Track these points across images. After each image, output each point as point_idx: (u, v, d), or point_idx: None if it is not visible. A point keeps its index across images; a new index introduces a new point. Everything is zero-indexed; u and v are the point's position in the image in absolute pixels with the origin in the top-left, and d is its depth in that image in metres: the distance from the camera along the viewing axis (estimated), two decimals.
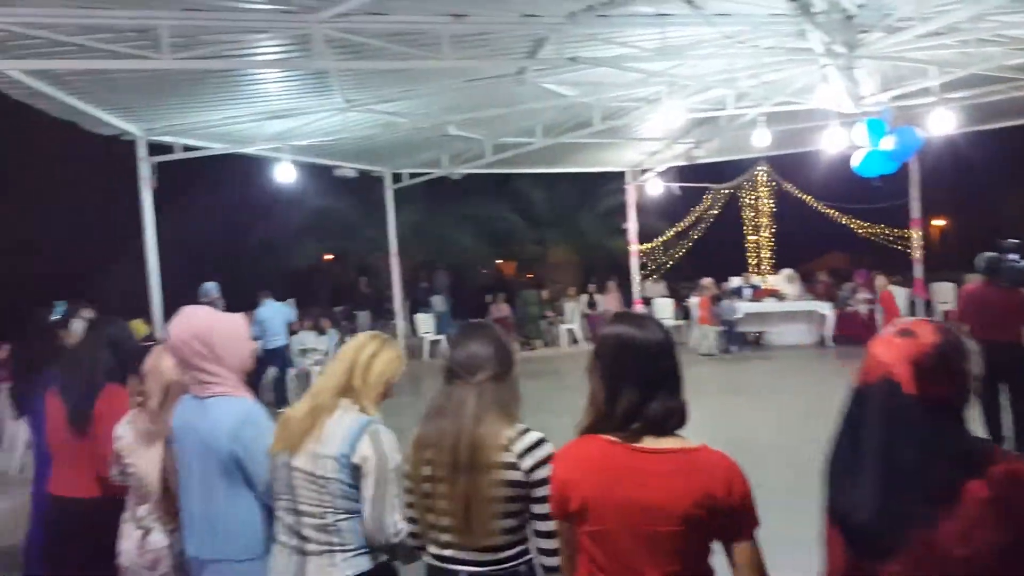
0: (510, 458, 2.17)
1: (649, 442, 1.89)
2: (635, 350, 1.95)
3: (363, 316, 18.73)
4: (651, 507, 1.82)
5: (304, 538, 2.39)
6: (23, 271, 16.72)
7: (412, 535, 2.37)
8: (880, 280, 12.94)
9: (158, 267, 10.05)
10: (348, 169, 13.08)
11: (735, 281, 16.14)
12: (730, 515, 1.82)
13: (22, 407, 4.35)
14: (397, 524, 2.38)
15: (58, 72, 7.09)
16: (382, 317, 18.13)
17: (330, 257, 24.07)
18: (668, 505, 1.81)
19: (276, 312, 11.44)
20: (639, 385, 1.92)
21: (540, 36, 7.87)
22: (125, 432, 2.96)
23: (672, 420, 1.92)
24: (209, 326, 2.67)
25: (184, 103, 8.89)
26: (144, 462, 2.88)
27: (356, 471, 2.35)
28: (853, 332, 13.87)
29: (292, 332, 12.27)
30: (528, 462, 2.17)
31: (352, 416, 2.40)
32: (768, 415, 9.06)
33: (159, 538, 2.87)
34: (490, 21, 7.33)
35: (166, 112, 9.20)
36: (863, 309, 14.81)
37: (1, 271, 16.60)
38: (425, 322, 16.58)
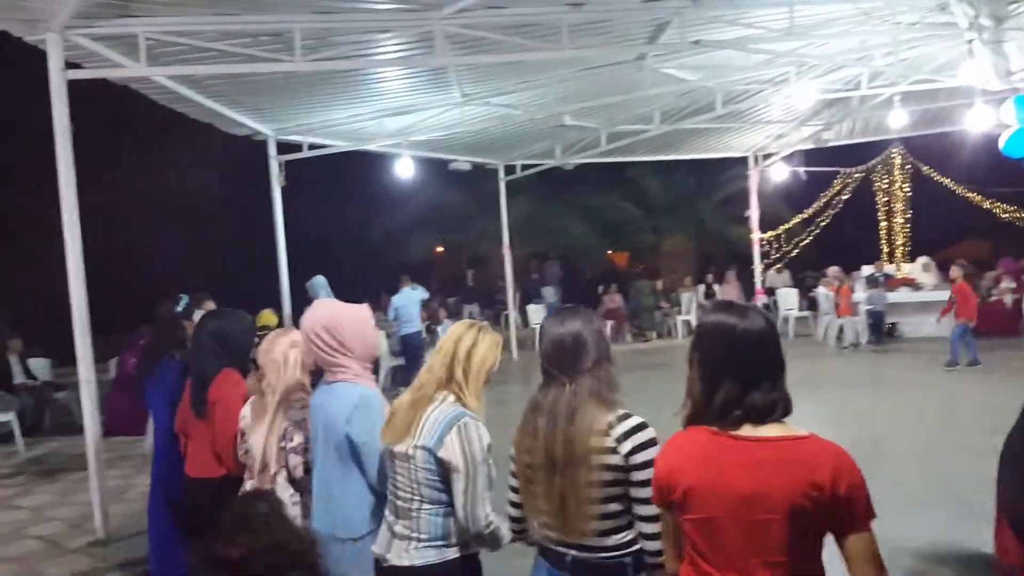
0: (609, 443, 2.16)
1: (749, 430, 1.83)
2: (735, 340, 1.87)
3: (471, 308, 18.98)
4: (753, 496, 1.76)
5: (397, 519, 2.50)
6: (159, 266, 17.86)
7: (517, 519, 2.43)
8: (955, 271, 11.90)
9: (286, 259, 10.55)
10: (463, 162, 13.25)
11: (866, 270, 15.29)
12: (838, 507, 1.73)
13: (143, 393, 4.60)
14: (488, 516, 2.42)
15: (198, 77, 7.49)
16: (492, 308, 18.32)
17: (440, 249, 24.50)
18: (770, 494, 1.74)
19: (411, 299, 11.65)
20: (738, 376, 1.85)
21: (662, 21, 7.68)
22: (247, 412, 3.18)
23: (774, 412, 1.84)
24: (337, 317, 2.80)
25: (311, 103, 9.23)
26: (254, 441, 3.08)
27: (442, 465, 2.39)
28: (996, 324, 12.90)
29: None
30: (627, 446, 2.15)
31: (445, 409, 2.43)
32: (902, 411, 8.55)
33: None
34: (610, 8, 7.21)
35: (294, 112, 9.58)
36: (1008, 299, 13.74)
37: (138, 266, 17.78)
38: (537, 313, 16.62)
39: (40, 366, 11.03)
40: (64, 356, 6.99)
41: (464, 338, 2.53)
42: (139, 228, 19.74)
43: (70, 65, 5.90)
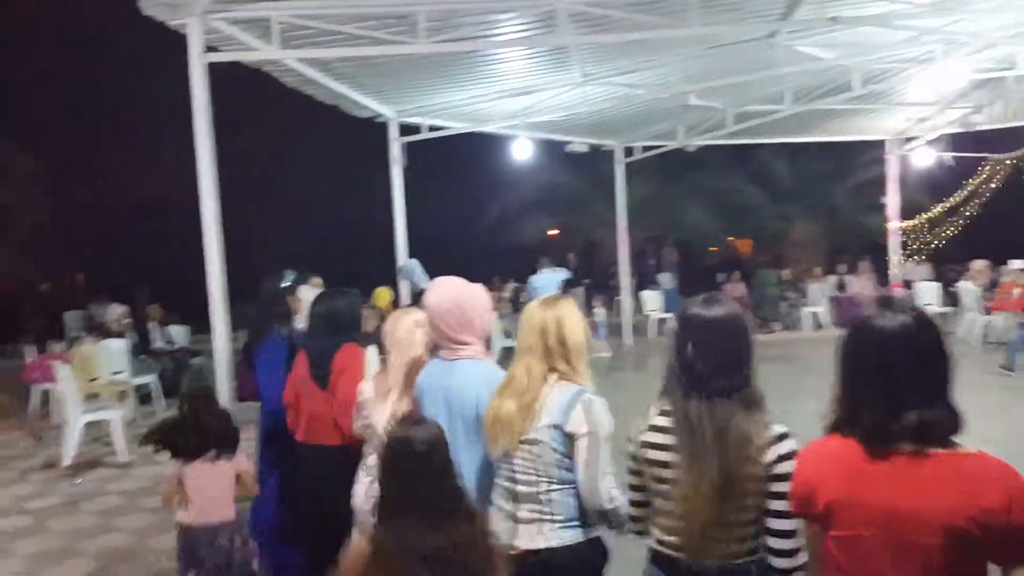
0: (756, 454, 1.99)
1: (908, 446, 1.60)
2: (873, 344, 1.64)
3: (576, 293, 18.70)
4: (909, 514, 1.56)
5: (518, 505, 2.45)
6: (286, 243, 18.76)
7: (635, 519, 2.30)
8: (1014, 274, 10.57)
9: (406, 239, 10.76)
10: (580, 144, 13.08)
11: (1016, 264, 14.05)
12: (1011, 536, 1.50)
13: (249, 363, 4.79)
14: (611, 491, 2.35)
15: (326, 59, 7.69)
16: (605, 293, 18.06)
17: (553, 232, 24.38)
18: (929, 513, 1.54)
19: (550, 281, 11.61)
20: (884, 390, 1.61)
21: None
22: (367, 389, 3.24)
23: (934, 435, 1.59)
24: (463, 295, 2.85)
25: (431, 85, 9.31)
26: (378, 416, 3.12)
27: (570, 440, 2.36)
28: None
29: None
30: (769, 457, 1.98)
31: (563, 388, 2.41)
32: None
33: None
34: None
35: (415, 94, 9.70)
36: None
37: (268, 242, 18.75)
38: (652, 300, 16.27)
39: (179, 333, 11.80)
40: (202, 324, 7.42)
41: (547, 326, 2.45)
42: (269, 206, 20.79)
43: (208, 49, 6.16)
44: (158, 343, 11.29)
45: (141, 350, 10.56)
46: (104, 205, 19.70)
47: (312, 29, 6.71)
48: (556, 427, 2.37)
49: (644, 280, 18.30)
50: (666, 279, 18.09)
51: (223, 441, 3.69)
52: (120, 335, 10.07)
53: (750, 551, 2.05)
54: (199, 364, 10.94)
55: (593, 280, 19.42)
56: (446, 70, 8.71)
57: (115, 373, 9.25)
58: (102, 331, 10.18)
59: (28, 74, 17.30)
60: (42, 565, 5.07)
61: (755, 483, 1.98)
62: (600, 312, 13.60)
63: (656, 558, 2.18)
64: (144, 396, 9.75)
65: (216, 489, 3.65)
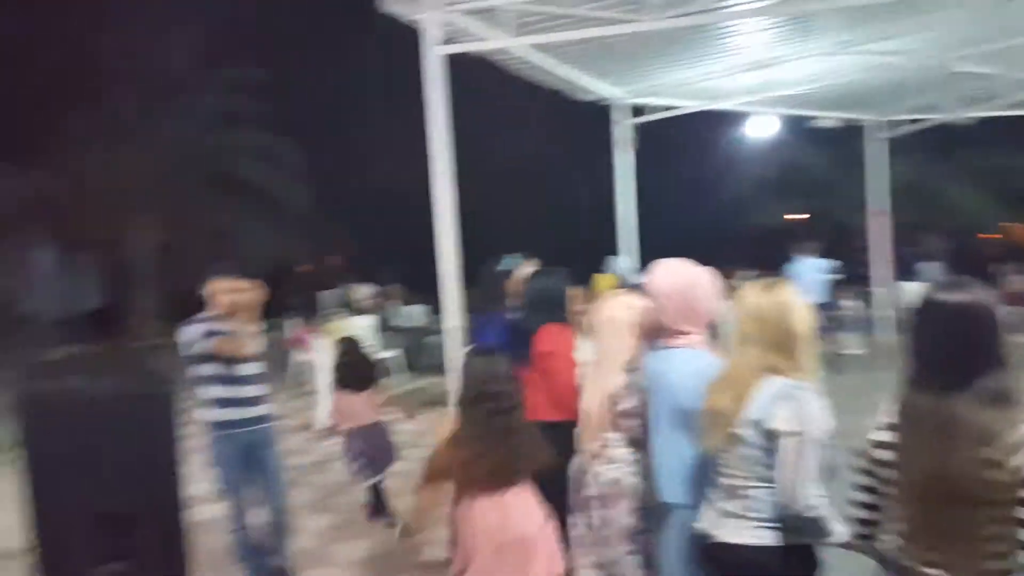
0: (997, 455, 1.73)
1: None
2: None
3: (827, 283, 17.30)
4: None
5: (724, 499, 2.41)
6: (510, 228, 19.29)
7: (865, 522, 2.17)
8: None
9: (636, 224, 10.54)
10: (829, 119, 12.08)
11: None
12: None
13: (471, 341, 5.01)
14: (810, 498, 2.20)
15: (555, 44, 7.68)
16: (855, 284, 16.62)
17: (796, 217, 22.72)
18: None
19: (811, 270, 10.86)
20: None
21: None
22: (584, 372, 3.30)
23: None
24: (690, 282, 2.76)
25: (662, 63, 9.04)
26: (587, 399, 3.12)
27: (772, 437, 2.24)
28: None
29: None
30: (1020, 459, 1.71)
31: (772, 381, 2.28)
32: None
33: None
34: None
35: (645, 74, 9.48)
36: None
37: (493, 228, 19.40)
38: (913, 292, 14.65)
39: (419, 312, 12.64)
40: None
41: (768, 314, 2.27)
42: (504, 192, 21.54)
43: (443, 41, 6.36)
44: (398, 321, 12.15)
45: (384, 327, 11.43)
46: (361, 192, 21.57)
47: (541, 14, 6.74)
48: (758, 422, 2.26)
49: (905, 270, 16.66)
50: (931, 269, 16.30)
51: (363, 377, 5.44)
52: (367, 312, 10.96)
53: (1006, 571, 1.80)
54: (435, 342, 11.64)
55: (845, 270, 17.97)
56: (677, 47, 8.40)
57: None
58: (351, 308, 11.17)
59: (287, 71, 19.45)
60: (302, 517, 5.65)
61: (1001, 489, 1.73)
62: (852, 305, 12.49)
63: (889, 566, 2.01)
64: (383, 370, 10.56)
65: (361, 408, 5.39)
